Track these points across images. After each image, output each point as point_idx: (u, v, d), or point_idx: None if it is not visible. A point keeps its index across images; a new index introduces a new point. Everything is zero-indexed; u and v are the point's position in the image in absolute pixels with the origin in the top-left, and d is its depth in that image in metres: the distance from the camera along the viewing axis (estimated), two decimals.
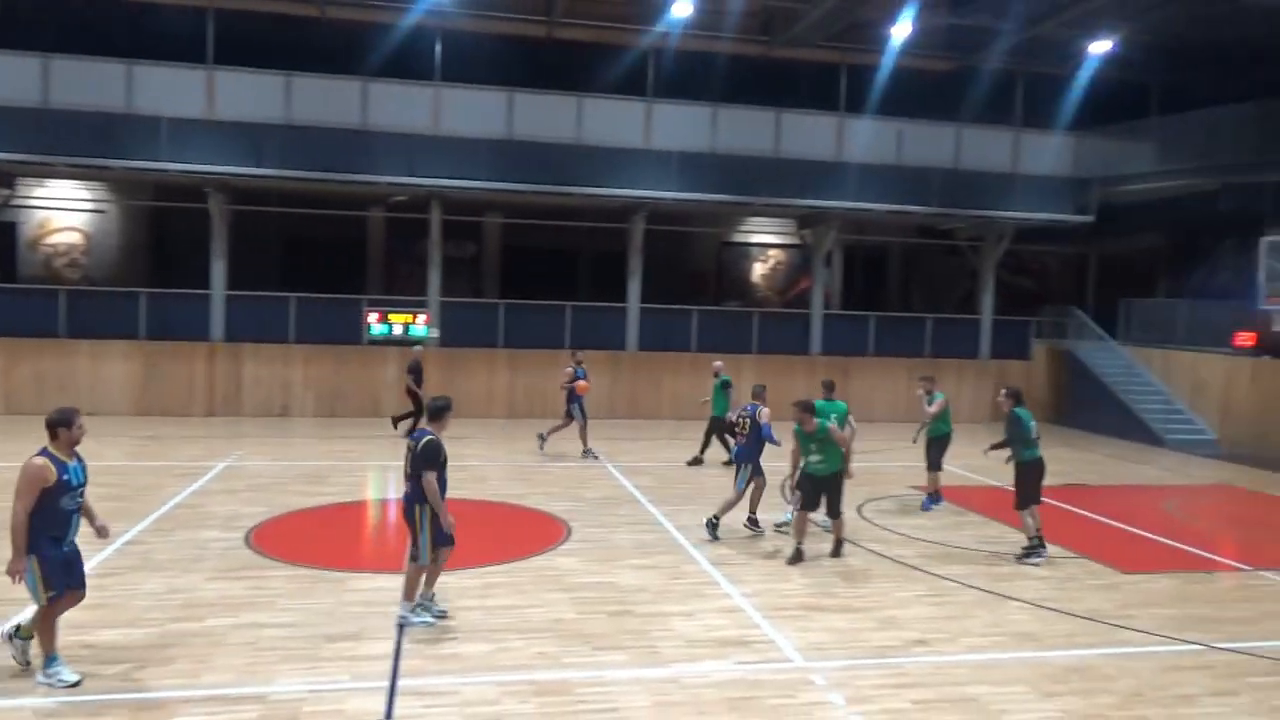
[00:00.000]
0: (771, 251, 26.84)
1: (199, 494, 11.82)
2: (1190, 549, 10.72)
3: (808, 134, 20.53)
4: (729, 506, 10.38)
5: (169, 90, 17.91)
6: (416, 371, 17.27)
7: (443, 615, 7.42)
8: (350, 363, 19.67)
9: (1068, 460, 16.72)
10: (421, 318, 19.81)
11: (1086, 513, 12.55)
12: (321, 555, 9.26)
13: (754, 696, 6.22)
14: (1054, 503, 13.00)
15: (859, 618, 7.87)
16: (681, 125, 19.96)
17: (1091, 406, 20.33)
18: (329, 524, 10.77)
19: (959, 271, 26.61)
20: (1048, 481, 13.28)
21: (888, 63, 20.68)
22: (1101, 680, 6.71)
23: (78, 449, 6.13)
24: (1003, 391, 10.51)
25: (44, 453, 5.95)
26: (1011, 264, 26.69)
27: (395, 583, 8.29)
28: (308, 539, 10.09)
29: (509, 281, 24.13)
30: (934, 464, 12.38)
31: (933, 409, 12.46)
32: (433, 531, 7.20)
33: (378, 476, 14.05)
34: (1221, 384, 19.62)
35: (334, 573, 8.61)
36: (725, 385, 15.14)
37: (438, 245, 20.14)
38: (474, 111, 19.14)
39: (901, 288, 28.84)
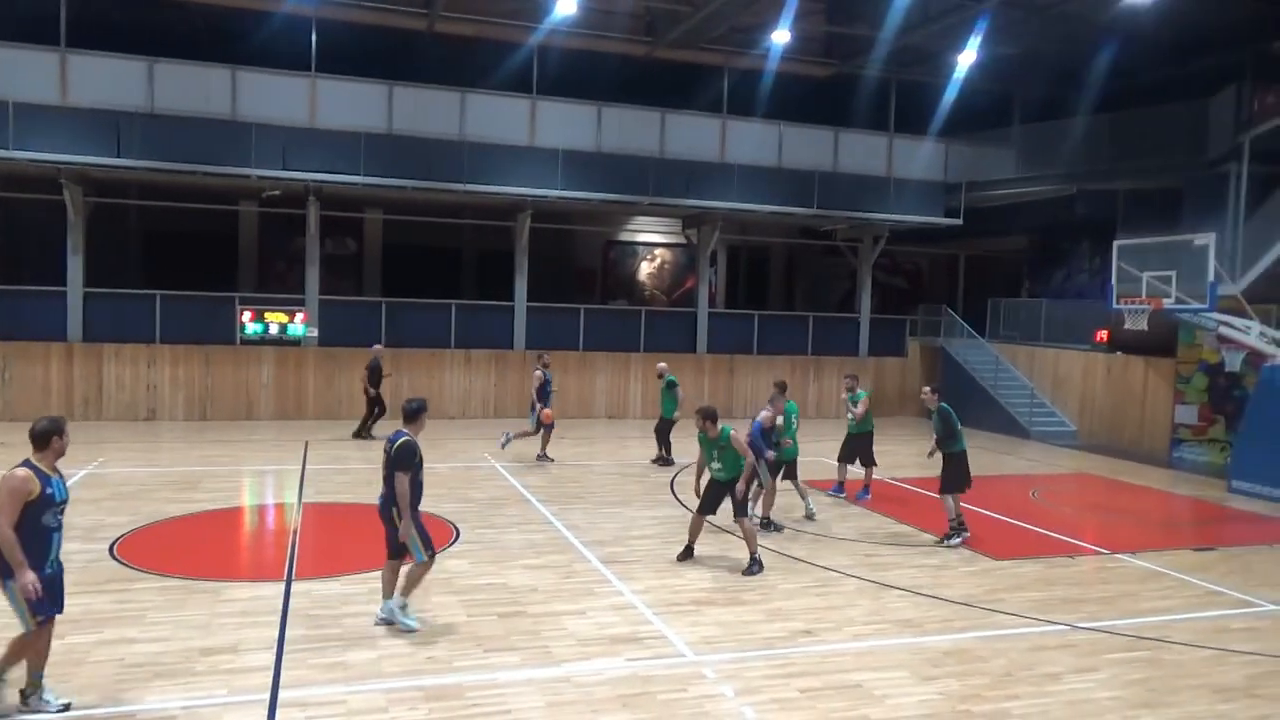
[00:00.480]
0: (658, 250, 27.10)
1: None
2: (1055, 535, 11.35)
3: (692, 135, 20.80)
4: (766, 501, 10.81)
5: (17, 73, 16.71)
6: (374, 370, 17.02)
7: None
8: (222, 363, 18.81)
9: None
10: (299, 316, 19.11)
11: (960, 502, 13.08)
12: (194, 565, 8.80)
13: (646, 692, 6.25)
14: (929, 493, 13.54)
15: (748, 611, 8.00)
16: (567, 123, 19.90)
17: (963, 401, 21.16)
18: (202, 532, 10.26)
19: (839, 271, 27.51)
20: (919, 474, 13.90)
21: (769, 67, 21.14)
22: (976, 662, 7.03)
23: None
24: (927, 388, 11.13)
25: (27, 464, 5.42)
26: (888, 265, 27.78)
27: (274, 591, 7.99)
28: (179, 549, 9.58)
29: (391, 279, 23.57)
30: (868, 459, 12.95)
31: (859, 409, 12.83)
32: (420, 530, 7.21)
33: (253, 482, 13.48)
34: (1080, 378, 20.87)
35: (208, 583, 8.21)
36: (671, 386, 15.15)
37: (316, 241, 19.48)
38: (352, 104, 18.58)
39: (784, 287, 29.57)
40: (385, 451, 7.26)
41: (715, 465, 9.29)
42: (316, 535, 10.23)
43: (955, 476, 10.62)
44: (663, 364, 15.99)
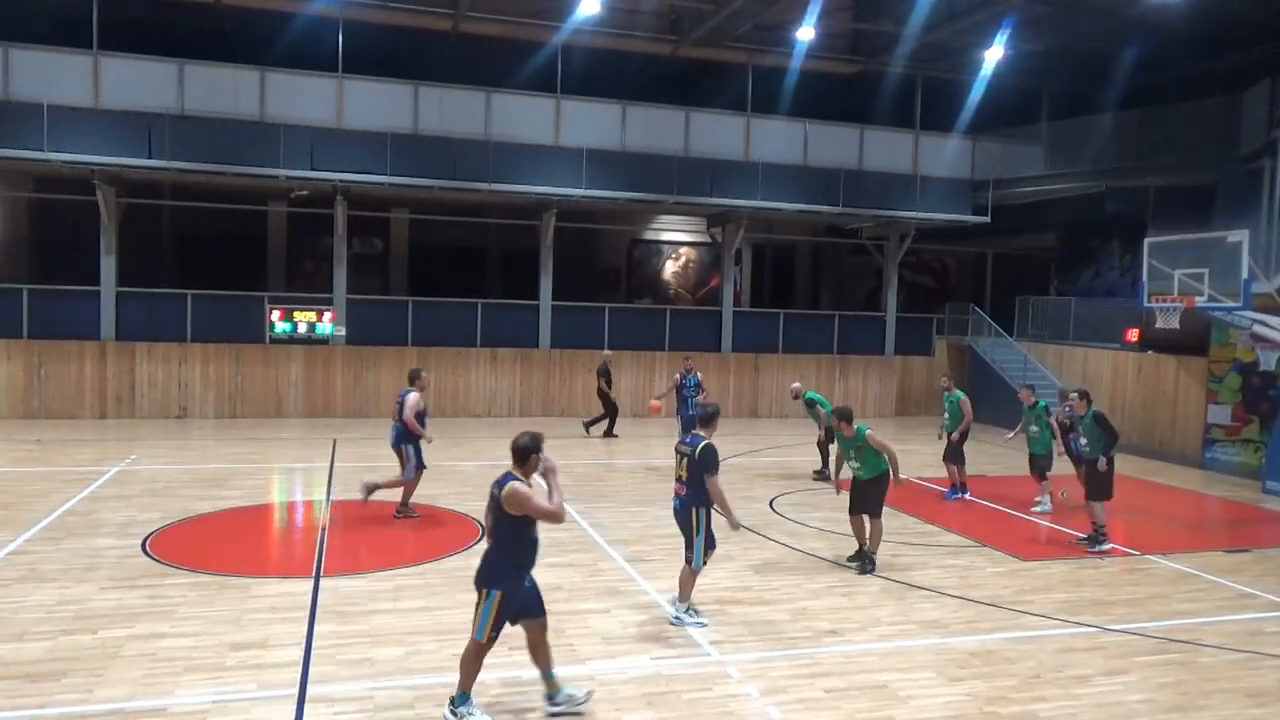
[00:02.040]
0: (682, 249, 27.09)
1: (90, 500, 11.26)
2: (1084, 536, 11.21)
3: (716, 133, 20.77)
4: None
5: (51, 76, 17.00)
6: (606, 374, 17.92)
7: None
8: (252, 362, 19.03)
9: (968, 452, 17.27)
10: (327, 315, 19.29)
11: (987, 502, 13.02)
12: (224, 561, 8.92)
13: (670, 691, 6.26)
14: (975, 500, 13.45)
15: (772, 610, 7.99)
16: (591, 122, 19.94)
17: (991, 400, 21.06)
18: (231, 529, 10.39)
19: (864, 270, 27.36)
20: (944, 474, 13.76)
21: (794, 65, 21.06)
22: (1003, 663, 6.97)
23: None
24: (1075, 393, 11.14)
25: (513, 477, 5.77)
26: (914, 263, 27.60)
27: (303, 587, 8.08)
28: (209, 545, 9.71)
29: (417, 278, 23.74)
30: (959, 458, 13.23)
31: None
32: (707, 535, 7.47)
33: (282, 479, 13.63)
34: (1110, 378, 20.61)
35: (238, 579, 8.31)
36: (811, 403, 14.13)
37: (343, 241, 19.65)
38: (379, 105, 18.74)
39: (809, 286, 29.46)
40: (685, 455, 7.49)
41: (855, 464, 9.41)
42: (345, 533, 10.32)
43: (1105, 483, 10.49)
44: (797, 384, 15.27)
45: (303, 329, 19.17)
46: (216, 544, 9.78)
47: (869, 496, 9.28)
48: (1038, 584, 9.12)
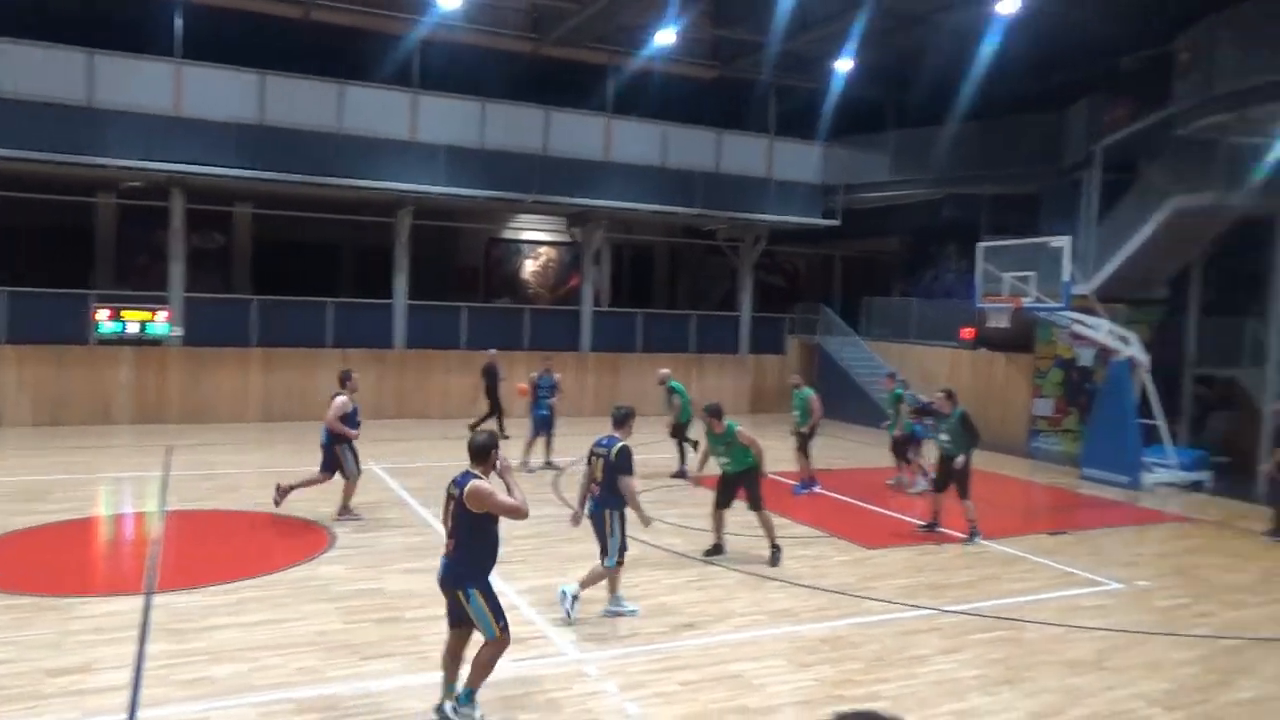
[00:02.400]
0: (541, 249, 26.96)
1: None
2: (923, 523, 11.80)
3: (577, 133, 20.77)
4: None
5: None
6: (493, 374, 17.25)
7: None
8: (75, 364, 17.69)
9: (817, 446, 17.92)
10: (162, 314, 18.15)
11: (834, 494, 13.53)
12: (43, 581, 8.25)
13: (530, 692, 6.21)
14: (823, 492, 13.91)
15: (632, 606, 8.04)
16: (450, 119, 19.56)
17: (839, 396, 21.94)
18: (52, 545, 9.62)
19: (720, 270, 27.97)
20: (796, 468, 14.23)
21: (654, 68, 21.31)
22: (849, 648, 7.26)
23: None
24: (941, 392, 11.57)
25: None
26: (767, 264, 28.39)
27: (132, 605, 7.57)
28: (26, 563, 8.96)
29: (263, 276, 22.66)
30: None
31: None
32: (622, 536, 7.60)
33: (110, 490, 12.74)
34: (947, 374, 21.78)
35: (58, 599, 7.70)
36: (673, 391, 14.70)
37: (180, 236, 18.55)
38: (221, 93, 17.77)
39: (667, 286, 29.88)
40: (599, 456, 7.61)
41: (724, 459, 9.55)
42: (180, 545, 9.74)
43: (964, 480, 10.86)
44: (665, 370, 15.66)
45: (133, 329, 17.96)
46: (34, 562, 9.04)
47: (740, 490, 9.57)
48: (881, 571, 9.54)
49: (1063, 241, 15.89)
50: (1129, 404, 15.24)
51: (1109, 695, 6.54)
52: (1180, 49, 14.70)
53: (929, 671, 6.85)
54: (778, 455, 16.09)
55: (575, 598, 7.55)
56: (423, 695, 6.08)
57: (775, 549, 9.62)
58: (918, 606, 8.37)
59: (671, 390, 14.55)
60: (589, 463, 7.81)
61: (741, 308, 24.18)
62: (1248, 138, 14.39)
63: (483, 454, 5.83)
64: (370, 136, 18.71)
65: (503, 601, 8.01)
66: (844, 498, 13.36)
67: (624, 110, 21.36)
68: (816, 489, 13.57)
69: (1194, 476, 15.42)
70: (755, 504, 9.59)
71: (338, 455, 10.70)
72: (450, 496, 5.75)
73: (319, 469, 10.86)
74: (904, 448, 13.95)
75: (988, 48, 18.77)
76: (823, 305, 25.64)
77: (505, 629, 5.71)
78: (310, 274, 22.46)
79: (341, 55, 19.58)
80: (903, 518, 12.16)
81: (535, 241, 26.82)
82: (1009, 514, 13.19)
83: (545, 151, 20.32)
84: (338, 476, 10.85)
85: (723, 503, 9.75)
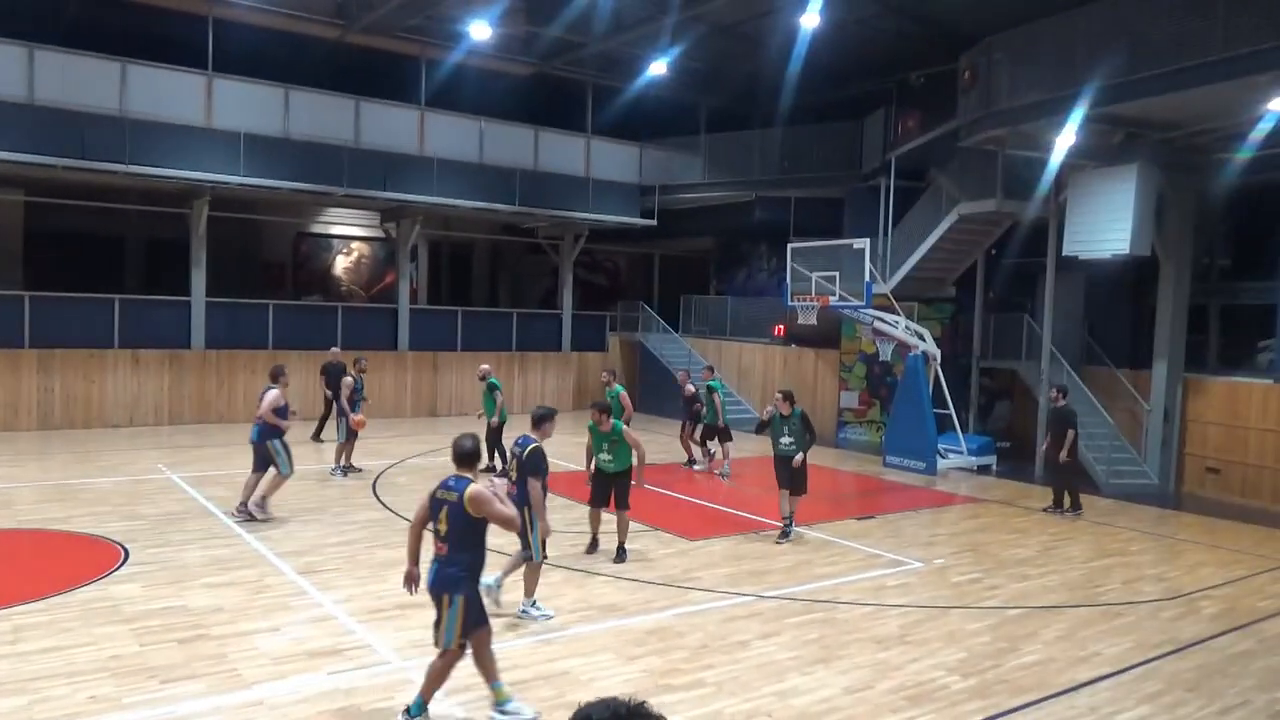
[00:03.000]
0: (354, 244, 25.95)
1: None
2: (742, 514, 12.24)
3: (390, 125, 20.08)
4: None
5: None
6: (333, 374, 15.98)
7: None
8: None
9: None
10: None
11: (657, 489, 13.75)
12: None
13: (350, 705, 5.95)
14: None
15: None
16: (250, 105, 18.43)
17: (659, 393, 22.40)
18: None
19: (541, 268, 27.88)
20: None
21: (469, 62, 20.94)
22: (675, 638, 7.40)
23: None
24: (779, 394, 11.40)
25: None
26: (588, 262, 28.56)
27: None
28: None
29: (36, 270, 20.58)
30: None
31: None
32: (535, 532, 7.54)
33: None
34: (761, 369, 22.74)
35: None
36: (492, 388, 14.32)
37: None
38: None
39: (487, 283, 29.50)
40: (515, 455, 7.67)
41: (607, 457, 9.50)
42: None
43: (802, 478, 10.92)
44: (486, 365, 15.18)
45: None
46: None
47: (619, 489, 9.64)
48: (704, 561, 9.80)
49: (863, 243, 16.89)
50: (924, 395, 16.39)
51: (913, 667, 6.99)
52: (963, 67, 15.94)
53: (751, 655, 7.09)
54: None
55: (534, 605, 7.71)
56: (233, 714, 5.70)
57: (622, 549, 9.65)
58: (739, 594, 8.64)
59: (492, 387, 14.38)
60: (507, 462, 8.12)
61: (563, 305, 24.21)
62: (1021, 151, 15.78)
63: (475, 459, 5.91)
64: (159, 121, 17.32)
65: (318, 612, 7.69)
66: (666, 491, 13.61)
67: (439, 104, 20.85)
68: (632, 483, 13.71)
69: (982, 461, 16.81)
70: (622, 503, 9.66)
71: (270, 451, 10.82)
72: (443, 501, 5.70)
73: (251, 470, 10.92)
74: (713, 435, 14.71)
75: (794, 57, 19.66)
76: (642, 303, 26.07)
77: (462, 648, 5.73)
78: (93, 269, 20.60)
79: (124, 32, 18.06)
80: (725, 509, 12.54)
81: (347, 236, 25.78)
82: (820, 502, 13.80)
83: (356, 143, 19.54)
84: None
85: (599, 501, 9.77)
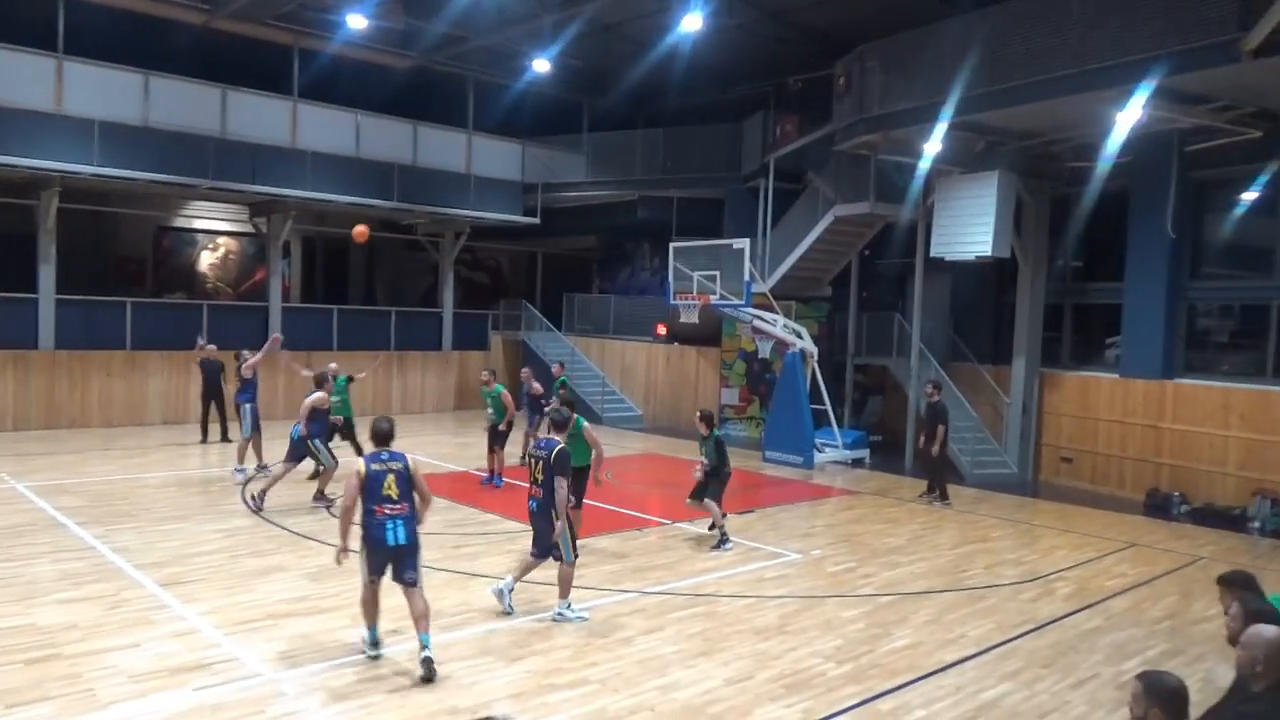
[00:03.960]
0: (221, 239, 24.82)
1: None
2: (626, 511, 12.29)
3: (259, 116, 19.26)
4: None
5: None
6: (210, 370, 16.17)
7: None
8: None
9: (521, 442, 18.07)
10: None
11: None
12: None
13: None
14: (513, 481, 13.98)
15: (331, 618, 7.61)
16: (105, 91, 17.35)
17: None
18: None
19: (421, 266, 27.30)
20: (507, 464, 14.27)
21: (345, 53, 20.32)
22: (559, 637, 7.37)
23: None
24: (698, 412, 11.44)
25: None
26: (470, 260, 28.17)
27: None
28: None
29: None
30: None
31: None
32: (572, 530, 7.85)
33: None
34: (645, 367, 22.90)
35: None
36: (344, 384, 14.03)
37: None
38: None
39: (365, 281, 28.71)
40: (537, 458, 7.74)
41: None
42: None
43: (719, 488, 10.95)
44: (333, 365, 14.48)
45: None
46: None
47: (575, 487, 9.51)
48: (589, 558, 9.74)
49: (743, 243, 17.24)
50: (802, 391, 16.83)
51: (791, 655, 7.17)
52: (838, 73, 16.44)
53: (634, 651, 7.12)
54: (479, 451, 16.06)
55: (569, 608, 7.79)
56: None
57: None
58: (622, 591, 8.67)
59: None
60: (527, 464, 8.15)
61: (443, 304, 23.78)
62: (893, 156, 16.39)
63: (391, 436, 7.01)
64: (1, 105, 16.14)
65: (181, 626, 7.32)
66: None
67: (313, 95, 20.14)
68: (500, 483, 13.61)
69: (856, 454, 17.39)
70: (575, 501, 9.57)
71: (311, 449, 11.67)
72: (394, 471, 6.73)
73: (284, 459, 11.72)
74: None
75: (675, 59, 19.88)
76: (525, 302, 25.87)
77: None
78: None
79: None
80: (609, 507, 12.54)
81: (214, 231, 24.63)
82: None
83: (223, 134, 18.67)
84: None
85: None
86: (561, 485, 7.61)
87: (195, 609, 7.70)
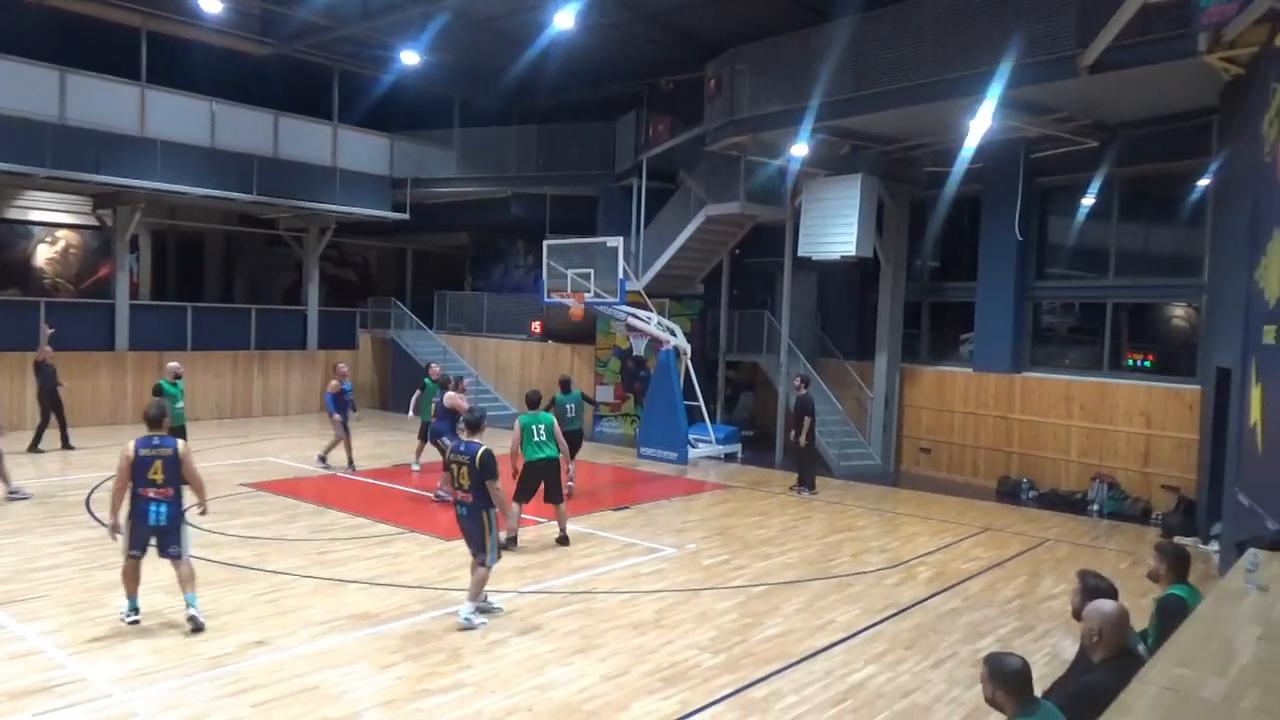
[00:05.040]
0: (61, 232, 23.18)
1: None
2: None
3: (102, 101, 18.03)
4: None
5: None
6: (44, 373, 15.23)
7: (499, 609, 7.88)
8: None
9: (390, 443, 17.65)
10: None
11: (411, 489, 13.39)
12: None
13: None
14: (382, 483, 13.64)
15: (186, 632, 7.22)
16: None
17: (413, 391, 21.73)
18: None
19: (283, 262, 26.24)
20: (376, 465, 13.95)
21: (198, 37, 19.28)
22: (432, 641, 7.21)
23: None
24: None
25: None
26: (336, 256, 27.26)
27: None
28: None
29: None
30: None
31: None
32: (495, 535, 7.66)
33: None
34: (519, 365, 22.70)
35: None
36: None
37: None
38: None
39: (222, 277, 27.39)
40: (461, 464, 7.55)
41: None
42: None
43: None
44: (174, 363, 13.61)
45: None
46: None
47: (549, 482, 10.18)
48: (462, 561, 9.53)
49: (617, 242, 17.31)
50: (675, 388, 17.05)
51: (668, 649, 7.24)
52: (709, 75, 16.71)
53: (510, 652, 7.04)
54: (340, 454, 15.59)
55: (475, 612, 7.58)
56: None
57: (512, 540, 9.88)
58: (497, 591, 8.55)
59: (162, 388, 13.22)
60: (449, 470, 7.90)
61: (308, 301, 22.92)
62: (762, 157, 16.79)
63: (159, 420, 7.27)
64: None
65: (20, 647, 6.79)
66: (419, 491, 13.25)
67: (163, 80, 19.01)
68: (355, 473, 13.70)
69: (728, 449, 17.73)
70: (553, 496, 10.31)
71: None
72: (163, 457, 7.11)
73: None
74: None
75: (548, 56, 19.77)
76: (395, 299, 25.23)
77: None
78: None
79: None
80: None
81: (52, 224, 22.96)
82: (577, 495, 14.02)
83: (62, 120, 17.42)
84: None
85: (525, 495, 10.20)
86: (494, 487, 7.53)
87: (36, 628, 7.17)
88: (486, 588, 7.89)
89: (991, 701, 3.78)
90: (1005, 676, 3.70)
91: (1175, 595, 4.93)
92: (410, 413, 14.62)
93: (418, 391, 14.47)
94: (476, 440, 7.69)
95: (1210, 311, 13.10)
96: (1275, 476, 7.19)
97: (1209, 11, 9.90)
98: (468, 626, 7.49)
